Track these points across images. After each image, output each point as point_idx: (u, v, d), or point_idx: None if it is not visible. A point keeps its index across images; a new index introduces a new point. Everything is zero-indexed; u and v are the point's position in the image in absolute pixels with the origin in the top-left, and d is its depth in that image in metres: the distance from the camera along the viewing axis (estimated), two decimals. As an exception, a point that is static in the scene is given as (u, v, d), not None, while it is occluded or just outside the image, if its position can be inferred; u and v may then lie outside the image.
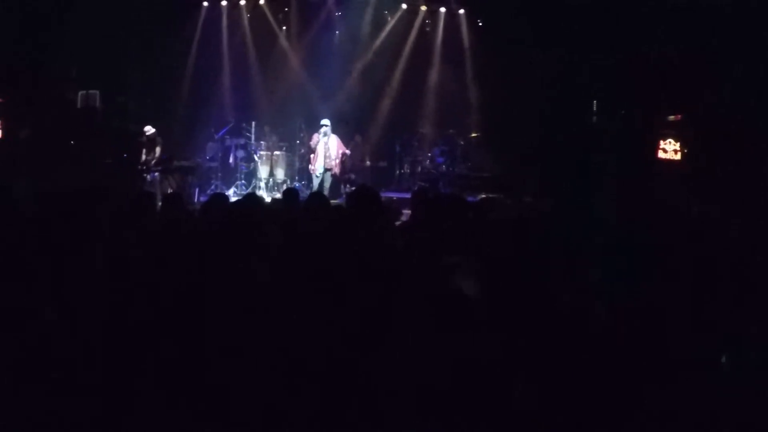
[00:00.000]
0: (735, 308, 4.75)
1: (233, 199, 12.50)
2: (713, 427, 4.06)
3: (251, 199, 7.24)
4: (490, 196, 13.29)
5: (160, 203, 8.62)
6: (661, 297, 4.79)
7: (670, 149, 13.10)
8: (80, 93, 15.38)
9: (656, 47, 13.11)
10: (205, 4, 18.16)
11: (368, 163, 17.96)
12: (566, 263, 5.00)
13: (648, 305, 4.67)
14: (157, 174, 14.99)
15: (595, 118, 15.29)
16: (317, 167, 15.90)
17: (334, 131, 16.01)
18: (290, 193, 8.33)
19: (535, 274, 4.83)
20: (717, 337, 4.57)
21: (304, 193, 15.41)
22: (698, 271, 5.07)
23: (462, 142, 17.58)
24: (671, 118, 13.32)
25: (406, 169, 18.09)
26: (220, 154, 16.73)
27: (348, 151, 16.36)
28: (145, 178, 14.92)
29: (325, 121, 15.87)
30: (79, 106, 15.42)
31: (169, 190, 14.17)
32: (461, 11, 18.54)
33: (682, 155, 12.91)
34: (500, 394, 4.22)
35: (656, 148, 13.29)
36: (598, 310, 4.57)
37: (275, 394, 4.26)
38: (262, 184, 16.65)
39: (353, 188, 15.76)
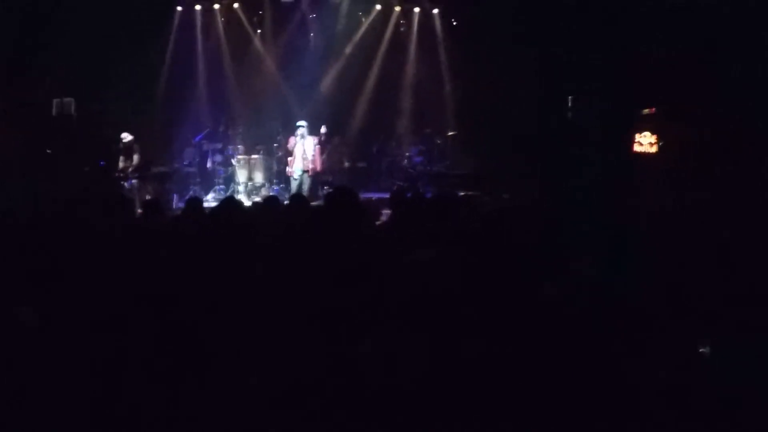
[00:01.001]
0: (716, 299, 4.80)
1: (213, 204, 12.49)
2: (705, 423, 4.11)
3: (230, 203, 7.24)
4: (469, 193, 13.36)
5: (139, 210, 8.62)
6: (642, 290, 4.84)
7: (645, 142, 13.19)
8: (55, 101, 15.31)
9: (631, 42, 13.19)
10: (179, 9, 18.11)
11: (346, 164, 17.97)
12: (548, 258, 5.04)
13: (628, 298, 4.72)
14: (135, 181, 14.95)
15: (570, 113, 15.37)
16: (295, 169, 15.84)
17: (311, 133, 15.97)
18: (272, 201, 8.39)
19: (516, 269, 4.86)
20: (697, 328, 4.62)
21: (283, 197, 15.43)
22: (680, 264, 5.13)
23: (439, 141, 17.63)
24: (646, 111, 13.41)
25: (385, 170, 18.10)
26: (197, 159, 16.68)
27: (323, 131, 16.12)
28: (123, 186, 14.87)
29: (302, 123, 15.83)
30: (54, 113, 15.34)
31: (148, 197, 14.12)
32: (435, 11, 18.60)
33: (658, 148, 13.01)
34: (487, 391, 4.26)
35: (632, 141, 13.38)
36: (582, 304, 4.61)
37: (264, 393, 4.29)
38: (241, 188, 16.61)
39: (331, 189, 15.81)
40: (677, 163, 12.23)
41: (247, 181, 16.73)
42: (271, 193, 15.23)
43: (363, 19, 18.72)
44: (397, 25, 18.94)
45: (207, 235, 5.87)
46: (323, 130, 16.05)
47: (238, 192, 16.45)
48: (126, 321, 4.59)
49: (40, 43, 14.24)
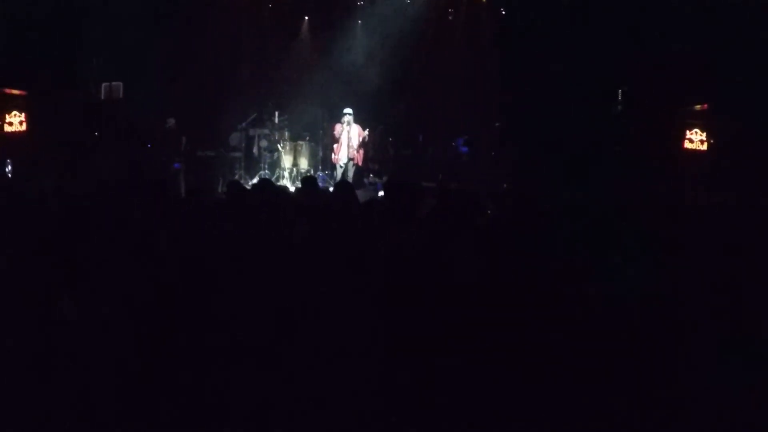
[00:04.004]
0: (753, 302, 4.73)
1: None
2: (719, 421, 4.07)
3: (263, 185, 7.22)
4: (513, 186, 13.24)
5: (184, 193, 8.66)
6: (680, 289, 4.78)
7: (696, 140, 12.95)
8: (104, 85, 15.42)
9: (681, 36, 12.96)
10: (227, -6, 18.21)
11: (392, 152, 17.92)
12: (587, 256, 4.99)
13: (666, 298, 4.66)
14: (180, 165, 15.05)
15: (619, 107, 15.15)
16: (340, 157, 15.86)
17: (356, 121, 15.96)
18: (309, 181, 8.35)
19: (554, 266, 4.82)
20: (732, 332, 4.56)
21: (328, 183, 15.44)
22: (718, 263, 5.06)
23: (485, 131, 17.48)
24: (697, 107, 13.17)
25: (430, 159, 18.01)
26: (243, 144, 16.75)
27: (366, 134, 16.15)
28: (169, 169, 14.97)
29: (348, 110, 15.83)
30: (102, 97, 15.47)
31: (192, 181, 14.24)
32: (483, -1, 18.48)
33: (709, 145, 12.76)
34: (512, 385, 4.25)
35: (682, 138, 13.14)
36: (625, 305, 4.56)
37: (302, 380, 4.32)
38: (286, 174, 16.64)
39: (376, 178, 15.85)
40: (728, 161, 12.00)
41: (292, 167, 16.75)
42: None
43: (410, 7, 18.60)
44: (446, 13, 18.80)
45: (245, 218, 5.90)
46: (366, 132, 15.99)
47: (283, 177, 16.49)
48: (161, 302, 4.64)
49: (89, 28, 14.33)
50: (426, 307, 4.59)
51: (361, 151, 15.96)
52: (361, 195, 10.05)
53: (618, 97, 15.18)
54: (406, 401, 4.29)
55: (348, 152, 15.77)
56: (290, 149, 16.82)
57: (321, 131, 17.16)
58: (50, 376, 4.42)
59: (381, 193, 11.62)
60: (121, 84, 15.47)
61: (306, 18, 18.93)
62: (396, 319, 4.53)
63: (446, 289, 4.69)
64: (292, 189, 14.56)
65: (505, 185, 12.62)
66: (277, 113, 17.28)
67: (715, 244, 5.42)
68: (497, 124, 17.50)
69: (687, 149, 13.07)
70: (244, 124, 16.71)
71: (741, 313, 4.70)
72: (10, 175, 12.79)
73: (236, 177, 15.87)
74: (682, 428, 4.16)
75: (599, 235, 5.28)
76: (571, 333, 4.46)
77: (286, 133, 17.01)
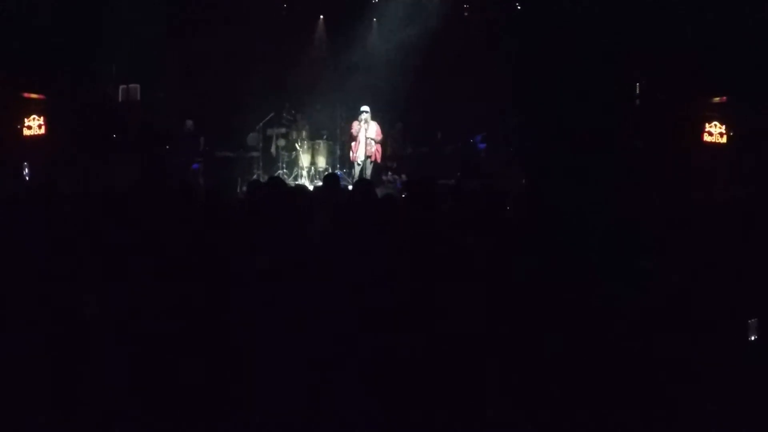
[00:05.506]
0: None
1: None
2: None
3: (273, 183, 7.22)
4: (530, 183, 13.19)
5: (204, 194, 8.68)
6: (701, 286, 4.76)
7: (715, 132, 12.85)
8: (121, 87, 15.49)
9: (697, 28, 12.88)
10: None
11: (409, 149, 17.90)
12: (605, 253, 4.97)
13: (685, 296, 4.65)
14: (199, 166, 15.10)
15: (637, 101, 15.07)
16: (358, 155, 15.87)
17: (373, 118, 15.95)
18: (331, 179, 8.34)
19: (572, 263, 4.81)
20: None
21: (347, 181, 15.45)
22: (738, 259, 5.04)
23: (504, 127, 17.41)
24: (716, 99, 13.07)
25: (448, 156, 17.95)
26: (261, 144, 16.79)
27: (378, 137, 16.13)
28: (187, 170, 15.02)
29: (365, 108, 15.81)
30: (120, 100, 15.53)
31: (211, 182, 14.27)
32: (499, -6, 18.41)
33: (728, 138, 12.66)
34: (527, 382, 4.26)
35: (701, 131, 13.04)
36: (643, 301, 4.54)
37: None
38: (304, 173, 16.67)
39: (395, 175, 15.84)
40: (750, 153, 11.90)
41: (310, 165, 16.78)
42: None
43: (425, 4, 18.55)
44: (461, 9, 18.75)
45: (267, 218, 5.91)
46: (378, 132, 15.95)
47: (301, 176, 16.52)
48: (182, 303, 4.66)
49: (105, 31, 14.39)
50: (445, 306, 4.60)
51: (379, 149, 15.94)
52: (380, 192, 10.05)
53: (635, 91, 15.11)
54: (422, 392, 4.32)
55: (366, 150, 15.76)
56: (308, 148, 16.85)
57: (338, 129, 17.19)
58: (73, 373, 4.45)
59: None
60: (138, 86, 15.53)
61: (321, 17, 18.93)
62: (413, 317, 4.55)
63: (466, 286, 4.69)
64: (310, 188, 14.56)
65: (523, 181, 12.56)
66: (294, 112, 17.30)
67: (737, 240, 5.38)
68: (515, 120, 17.43)
69: (706, 142, 12.96)
70: (261, 124, 16.73)
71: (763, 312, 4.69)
72: (27, 178, 12.86)
73: (255, 177, 15.89)
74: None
75: (617, 233, 5.26)
76: (589, 333, 4.46)
77: (304, 132, 17.04)
